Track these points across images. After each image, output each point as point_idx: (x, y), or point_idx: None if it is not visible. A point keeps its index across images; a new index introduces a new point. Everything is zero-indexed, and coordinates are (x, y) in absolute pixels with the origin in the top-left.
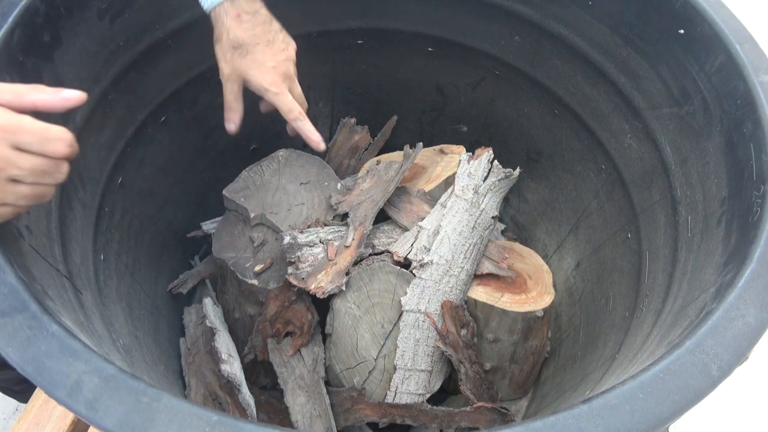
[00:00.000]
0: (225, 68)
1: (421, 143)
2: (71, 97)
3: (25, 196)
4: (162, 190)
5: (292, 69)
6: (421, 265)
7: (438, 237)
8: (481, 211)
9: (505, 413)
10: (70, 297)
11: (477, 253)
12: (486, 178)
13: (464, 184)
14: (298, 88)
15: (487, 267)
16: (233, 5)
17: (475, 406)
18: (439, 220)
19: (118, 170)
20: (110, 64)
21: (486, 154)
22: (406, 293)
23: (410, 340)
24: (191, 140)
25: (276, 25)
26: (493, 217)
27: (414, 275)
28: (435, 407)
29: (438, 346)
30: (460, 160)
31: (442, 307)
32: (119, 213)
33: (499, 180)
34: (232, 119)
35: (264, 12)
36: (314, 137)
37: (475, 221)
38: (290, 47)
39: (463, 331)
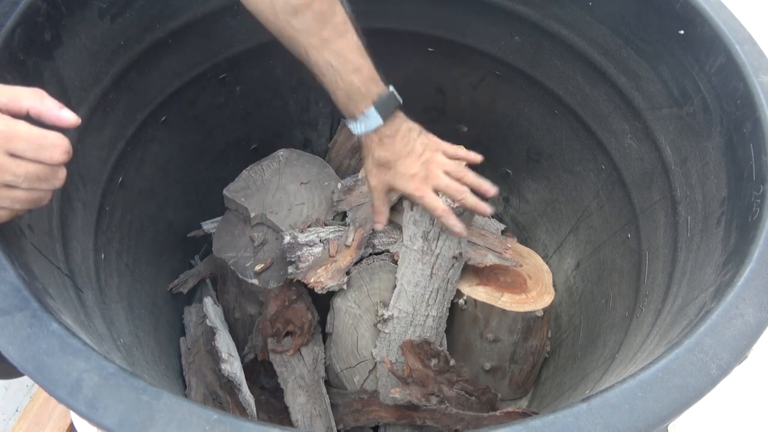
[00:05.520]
0: (372, 181)
1: None
2: (66, 118)
3: (21, 201)
4: (162, 189)
5: (433, 169)
6: (384, 321)
7: (395, 291)
8: (437, 256)
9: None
10: (70, 295)
11: (443, 295)
12: (435, 220)
13: (411, 233)
14: (442, 181)
15: (490, 259)
16: (376, 132)
17: (505, 411)
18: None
19: (118, 170)
20: (111, 63)
21: None
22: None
23: (391, 379)
24: (191, 140)
25: (414, 134)
26: (453, 257)
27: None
28: (460, 411)
29: (393, 396)
30: (404, 207)
31: (401, 349)
32: (120, 212)
33: None
34: (380, 220)
35: (403, 128)
36: (456, 229)
37: (432, 268)
38: (428, 149)
39: (434, 361)
